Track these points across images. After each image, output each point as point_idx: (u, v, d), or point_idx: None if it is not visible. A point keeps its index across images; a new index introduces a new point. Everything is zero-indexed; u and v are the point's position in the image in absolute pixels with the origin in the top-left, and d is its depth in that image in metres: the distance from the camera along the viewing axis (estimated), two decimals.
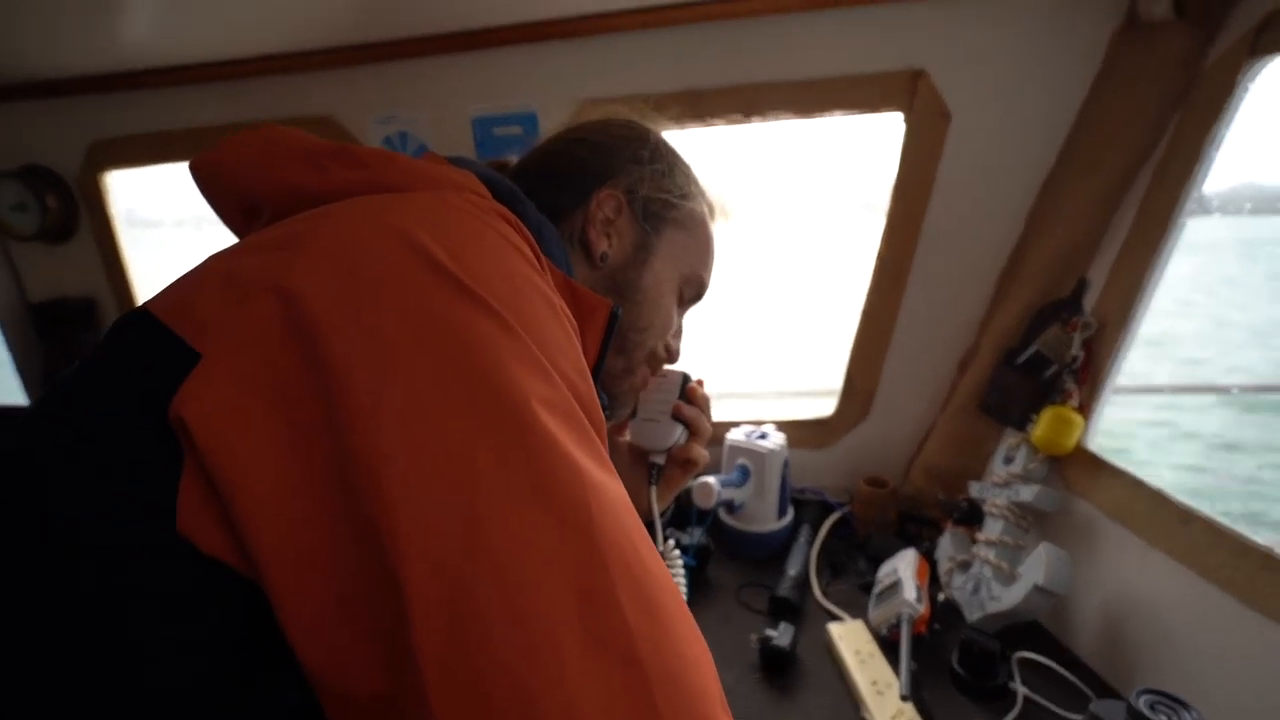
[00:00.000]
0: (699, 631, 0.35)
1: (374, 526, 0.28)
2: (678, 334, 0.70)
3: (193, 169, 0.49)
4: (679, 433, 0.69)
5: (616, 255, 0.61)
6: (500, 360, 0.33)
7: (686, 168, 0.66)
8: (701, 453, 0.71)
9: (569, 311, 0.43)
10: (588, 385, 0.39)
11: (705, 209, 0.67)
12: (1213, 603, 0.76)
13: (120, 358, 0.35)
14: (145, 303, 0.36)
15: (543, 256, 0.46)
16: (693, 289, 0.67)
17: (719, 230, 0.70)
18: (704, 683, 0.32)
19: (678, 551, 0.70)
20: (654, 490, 0.69)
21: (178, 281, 0.38)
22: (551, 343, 0.37)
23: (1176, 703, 0.64)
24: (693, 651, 0.33)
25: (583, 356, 0.41)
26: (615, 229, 0.61)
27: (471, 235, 0.38)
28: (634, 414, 0.71)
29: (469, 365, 0.32)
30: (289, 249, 0.35)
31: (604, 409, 0.59)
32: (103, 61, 1.18)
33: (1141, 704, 0.64)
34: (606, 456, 0.37)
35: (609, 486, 0.34)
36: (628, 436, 0.73)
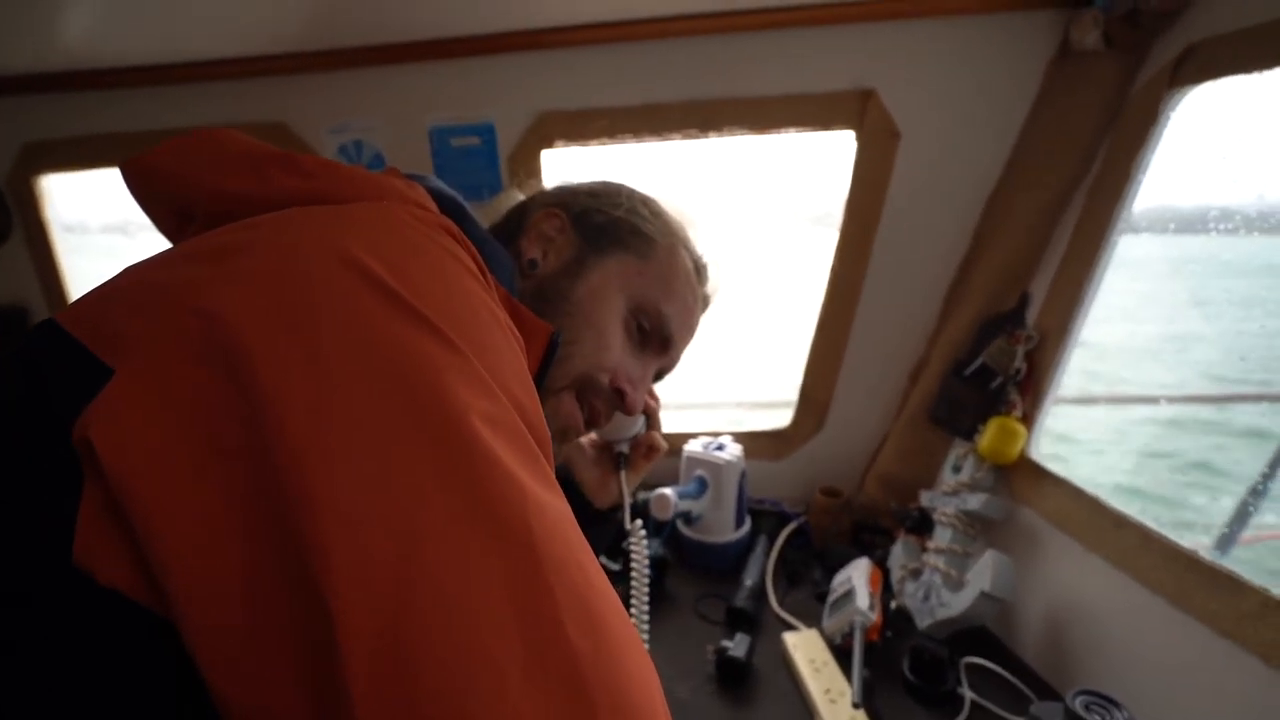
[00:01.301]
0: (643, 647, 0.35)
1: (303, 554, 0.27)
2: (637, 380, 0.63)
3: (125, 171, 0.47)
4: (640, 422, 0.74)
5: (549, 265, 0.59)
6: (440, 378, 0.32)
7: (653, 203, 0.65)
8: (662, 440, 0.76)
9: (515, 329, 0.42)
10: (534, 401, 0.38)
11: (675, 246, 0.64)
12: (1145, 605, 0.79)
13: (21, 372, 0.32)
14: (57, 314, 0.34)
15: (488, 272, 0.46)
16: (649, 322, 0.62)
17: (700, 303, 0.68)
18: (649, 700, 0.32)
19: (644, 532, 0.74)
20: (623, 475, 0.73)
21: (93, 291, 0.36)
22: (496, 358, 0.36)
23: (1109, 703, 0.66)
24: (640, 671, 0.32)
25: (527, 372, 0.40)
26: (554, 245, 0.60)
27: (413, 249, 0.38)
28: None
29: (407, 383, 0.31)
30: (217, 262, 0.34)
31: None
32: (40, 61, 1.14)
33: (1077, 705, 0.66)
34: (551, 475, 0.36)
35: (552, 505, 0.34)
36: (590, 434, 0.76)
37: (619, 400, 0.61)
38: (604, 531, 0.78)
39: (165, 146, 0.44)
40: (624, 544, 0.76)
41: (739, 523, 1.22)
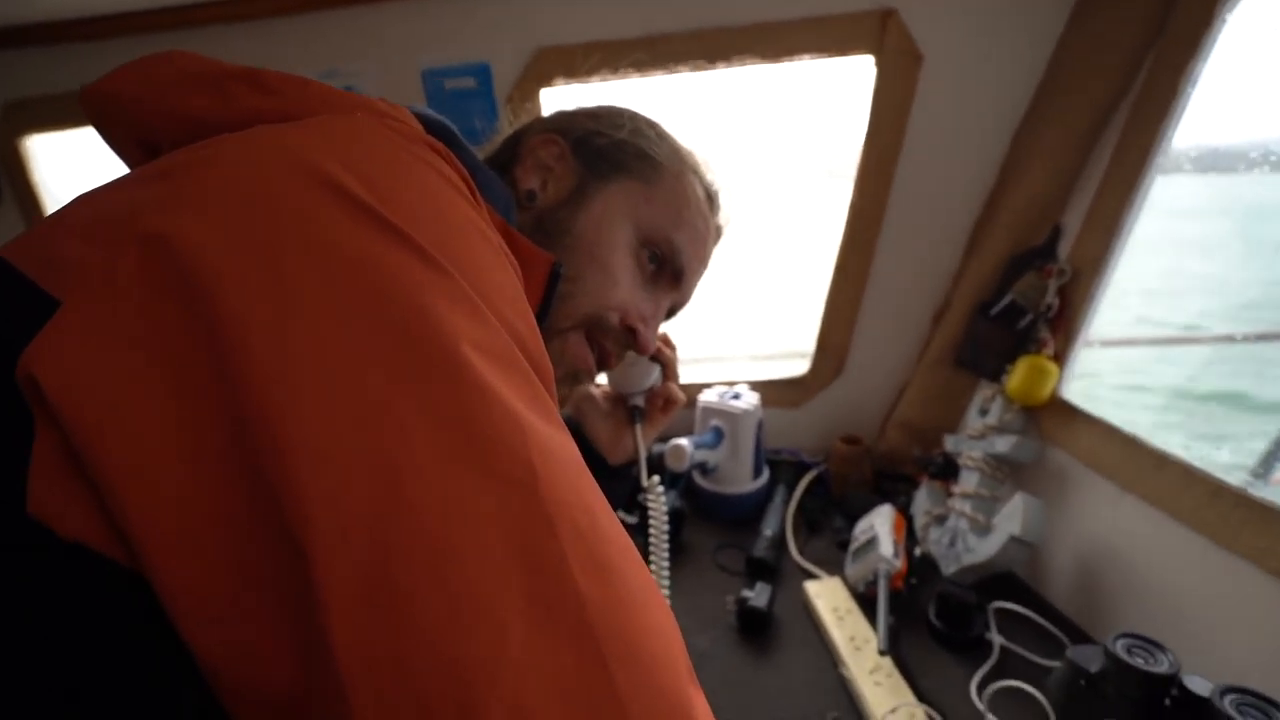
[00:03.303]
0: (661, 596, 0.32)
1: (276, 493, 0.24)
2: (649, 316, 0.59)
3: (83, 101, 0.43)
4: (656, 373, 0.70)
5: (549, 196, 0.55)
6: (425, 300, 0.28)
7: (657, 125, 0.60)
8: (679, 392, 0.73)
9: (509, 251, 0.38)
10: (532, 330, 0.35)
11: (683, 171, 0.59)
12: (1186, 544, 0.76)
13: None
14: (2, 247, 0.31)
15: (480, 196, 0.42)
16: (661, 252, 0.58)
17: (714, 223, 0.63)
18: (667, 651, 0.29)
19: (661, 488, 0.71)
20: (638, 429, 0.70)
21: (44, 220, 0.33)
22: (489, 281, 0.33)
23: (1153, 645, 0.63)
24: (654, 618, 0.29)
25: (524, 296, 0.37)
26: (553, 174, 0.55)
27: (391, 161, 0.34)
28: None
29: (387, 307, 0.28)
30: (172, 181, 0.30)
31: None
32: (14, 13, 1.08)
33: (1119, 648, 0.63)
34: (554, 408, 0.33)
35: (557, 442, 0.30)
36: (603, 384, 0.74)
37: (630, 339, 0.58)
38: (619, 488, 0.74)
39: (123, 70, 0.40)
40: (640, 498, 0.73)
41: (757, 473, 1.19)
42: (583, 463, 0.33)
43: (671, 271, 0.59)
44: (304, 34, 1.10)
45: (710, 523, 1.18)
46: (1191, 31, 0.83)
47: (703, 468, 1.19)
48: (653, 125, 0.60)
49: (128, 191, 0.32)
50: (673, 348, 0.73)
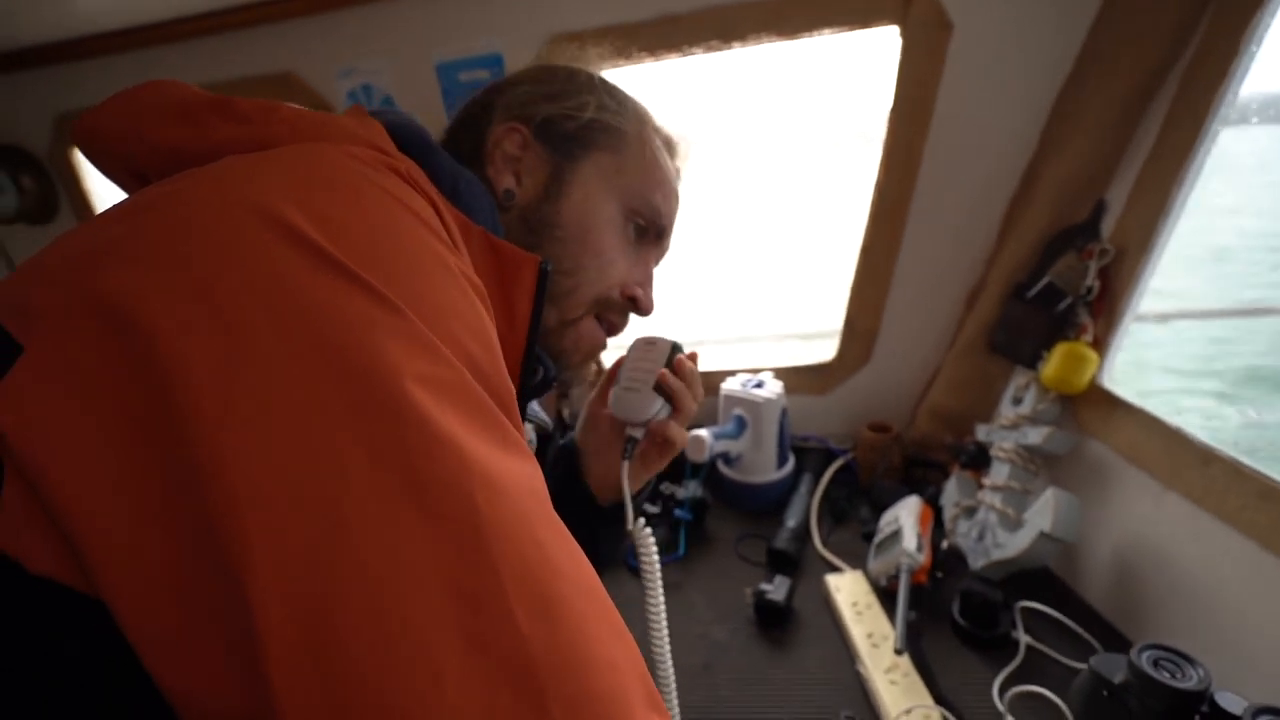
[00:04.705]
0: (619, 627, 0.32)
1: (218, 535, 0.25)
2: (645, 280, 0.60)
3: (76, 136, 0.44)
4: (658, 406, 0.61)
5: (527, 192, 0.54)
6: (371, 340, 0.29)
7: (614, 88, 0.59)
8: (680, 433, 0.64)
9: (477, 278, 0.38)
10: (490, 354, 0.35)
11: (644, 130, 0.59)
12: (1232, 547, 0.71)
13: None
14: None
15: (452, 214, 0.42)
16: (643, 218, 0.58)
17: (678, 166, 0.62)
18: (617, 685, 0.29)
19: (648, 530, 0.62)
20: (625, 466, 0.61)
21: (25, 263, 0.34)
22: (442, 308, 0.33)
23: (1182, 658, 0.60)
24: (606, 652, 0.29)
25: (488, 323, 0.36)
26: (523, 165, 0.54)
27: (347, 196, 0.34)
28: (616, 380, 0.64)
29: (331, 348, 0.28)
30: (130, 222, 0.31)
31: (546, 373, 0.55)
32: (60, 28, 1.13)
33: (1144, 660, 0.60)
34: (511, 433, 0.33)
35: (505, 470, 0.30)
36: (609, 407, 0.66)
37: (633, 306, 0.59)
38: (616, 533, 0.66)
39: (109, 103, 0.42)
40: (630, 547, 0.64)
41: (781, 462, 1.17)
42: (541, 491, 0.33)
43: (655, 232, 0.60)
44: (324, 33, 1.11)
45: (733, 512, 1.17)
46: None
47: (725, 457, 1.18)
48: (612, 93, 0.58)
49: (91, 235, 0.33)
50: (693, 381, 0.65)
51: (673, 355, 0.64)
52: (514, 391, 0.36)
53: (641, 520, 0.62)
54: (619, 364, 0.66)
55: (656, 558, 0.62)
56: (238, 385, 0.27)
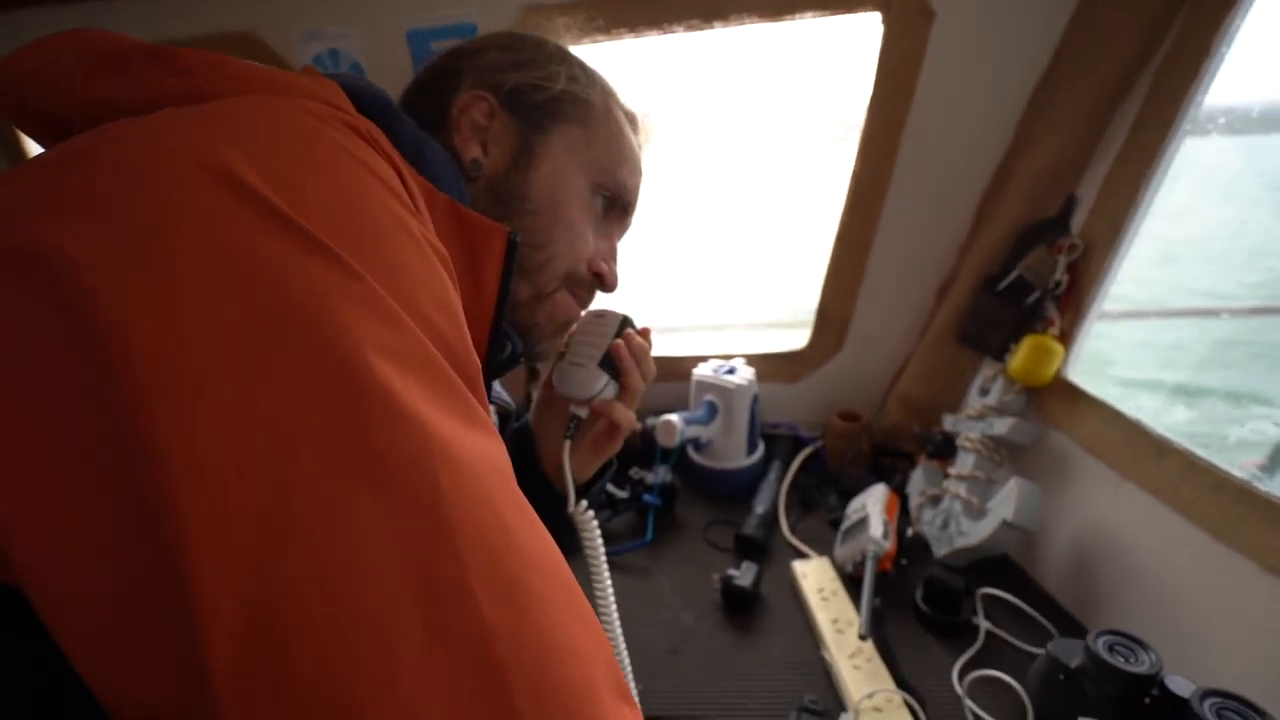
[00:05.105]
0: (588, 611, 0.31)
1: (155, 511, 0.23)
2: (610, 256, 0.59)
3: None
4: (603, 383, 0.58)
5: (495, 163, 0.52)
6: (326, 305, 0.27)
7: (580, 62, 0.57)
8: (625, 414, 0.60)
9: (441, 246, 0.36)
10: (454, 324, 0.33)
11: (610, 104, 0.57)
12: (1184, 537, 0.73)
13: None
14: None
15: (415, 179, 0.40)
16: (610, 192, 0.57)
17: (642, 145, 0.61)
18: (584, 675, 0.28)
19: (590, 513, 0.60)
20: (566, 445, 0.59)
21: None
22: (403, 276, 0.31)
23: (1136, 643, 0.62)
24: (572, 640, 0.28)
25: (453, 293, 0.35)
26: (490, 135, 0.52)
27: (302, 150, 0.31)
28: (561, 356, 0.62)
29: (283, 314, 0.26)
30: (58, 171, 0.29)
31: (514, 349, 0.53)
32: None
33: (1099, 645, 0.61)
34: (477, 409, 0.31)
35: (471, 448, 0.29)
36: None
37: (599, 282, 0.58)
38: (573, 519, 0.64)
39: (26, 49, 0.38)
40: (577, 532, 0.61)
41: (751, 449, 1.18)
42: (507, 470, 0.32)
43: (621, 206, 0.59)
44: None
45: (703, 498, 1.17)
46: None
47: (696, 443, 1.18)
48: (582, 66, 0.57)
49: (17, 183, 0.30)
50: (642, 357, 0.62)
51: (622, 329, 0.61)
52: (480, 366, 0.35)
53: (584, 504, 0.60)
54: (568, 337, 0.63)
55: (600, 542, 0.60)
56: (179, 351, 0.24)
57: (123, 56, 0.36)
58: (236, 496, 0.23)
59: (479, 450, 0.29)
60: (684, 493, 1.16)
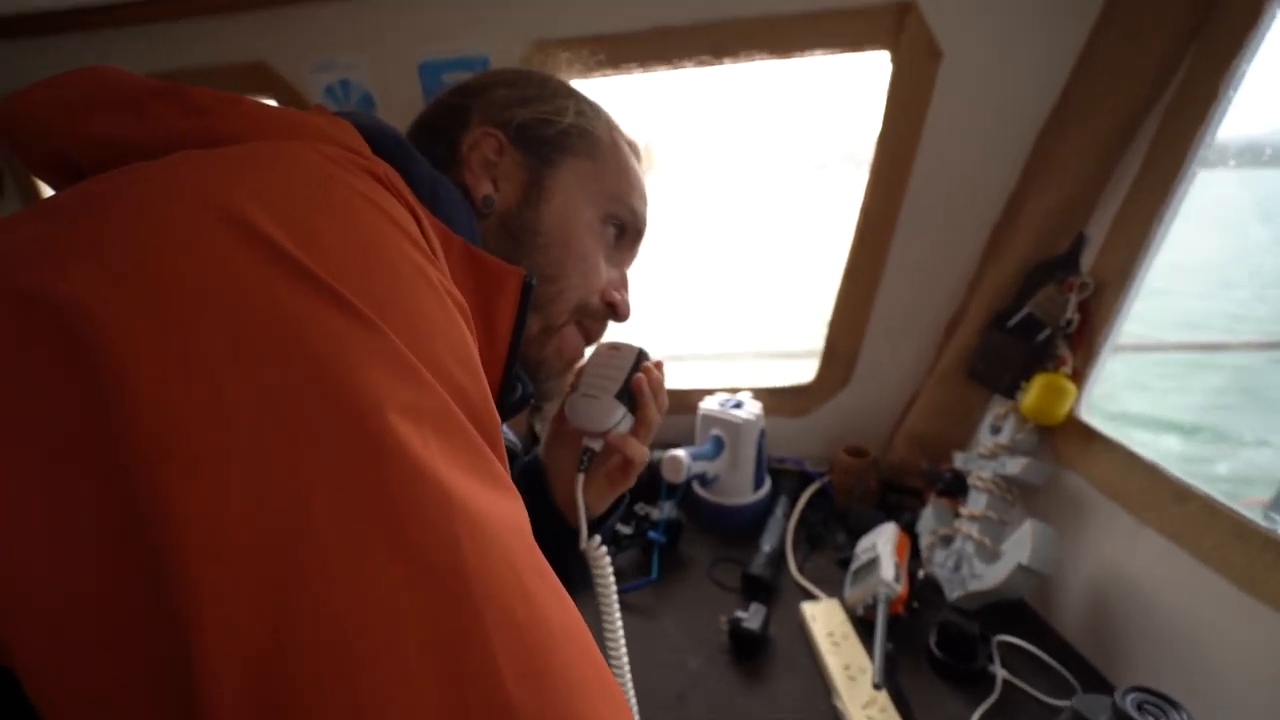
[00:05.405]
0: (611, 682, 0.29)
1: (159, 579, 0.21)
2: (621, 285, 0.59)
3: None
4: (619, 415, 0.57)
5: (506, 198, 0.52)
6: (346, 361, 0.25)
7: (585, 96, 0.58)
8: (639, 449, 0.59)
9: (459, 293, 0.35)
10: (476, 380, 0.32)
11: (615, 136, 0.58)
12: (1207, 587, 0.71)
13: None
14: None
15: (431, 222, 0.39)
16: (622, 221, 0.57)
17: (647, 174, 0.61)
18: None
19: (603, 549, 0.59)
20: (580, 478, 0.57)
21: None
22: (425, 332, 0.30)
23: (1166, 702, 0.59)
24: (598, 713, 0.27)
25: (472, 344, 0.33)
26: (501, 171, 0.52)
27: (320, 197, 0.30)
28: (575, 387, 0.61)
29: (300, 371, 0.25)
30: (66, 220, 0.27)
31: (524, 390, 0.52)
32: (8, 4, 1.06)
33: (1128, 703, 0.59)
34: (497, 467, 0.30)
35: (493, 511, 0.27)
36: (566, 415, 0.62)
37: (611, 312, 0.58)
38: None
39: (37, 87, 0.37)
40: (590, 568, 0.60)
41: (758, 484, 1.16)
42: (526, 530, 0.30)
43: (633, 233, 0.60)
44: (304, 24, 1.07)
45: (709, 534, 1.15)
46: (1236, 29, 0.76)
47: (702, 478, 1.16)
48: (587, 100, 0.58)
49: (24, 228, 0.29)
50: (658, 390, 0.61)
51: (639, 363, 0.61)
52: (499, 420, 0.33)
53: (597, 539, 0.58)
54: (581, 370, 0.62)
55: (612, 580, 0.59)
56: (190, 408, 0.23)
57: (134, 94, 0.36)
58: (249, 566, 0.22)
59: (499, 511, 0.28)
60: (689, 529, 1.14)
